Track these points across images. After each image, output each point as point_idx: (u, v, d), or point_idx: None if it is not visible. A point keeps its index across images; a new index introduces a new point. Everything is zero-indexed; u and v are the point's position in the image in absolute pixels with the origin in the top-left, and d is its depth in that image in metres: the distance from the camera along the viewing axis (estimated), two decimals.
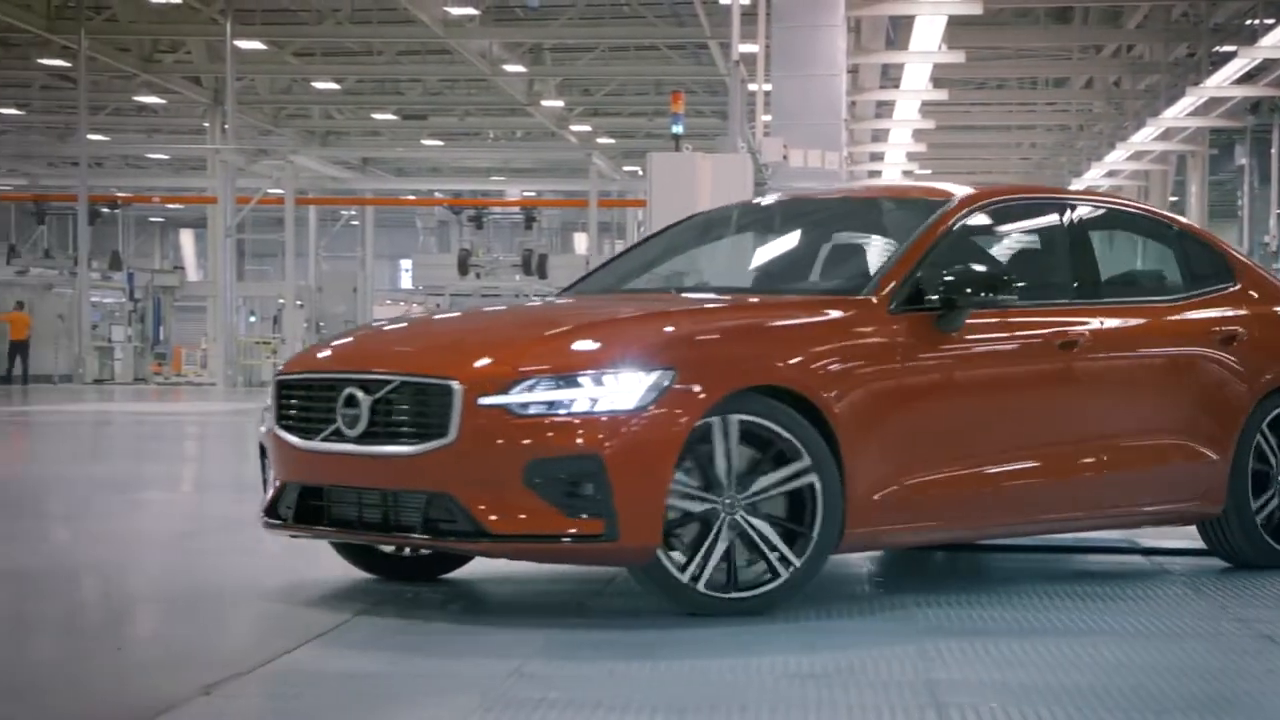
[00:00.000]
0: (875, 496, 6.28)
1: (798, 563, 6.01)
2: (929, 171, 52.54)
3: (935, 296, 6.51)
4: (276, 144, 46.77)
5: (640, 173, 40.81)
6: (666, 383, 5.85)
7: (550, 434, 5.78)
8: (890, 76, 32.68)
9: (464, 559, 6.77)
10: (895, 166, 46.41)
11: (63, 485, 11.67)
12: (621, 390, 5.81)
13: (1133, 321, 7.30)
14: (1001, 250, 7.52)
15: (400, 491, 5.91)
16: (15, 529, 8.87)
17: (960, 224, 6.99)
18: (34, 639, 5.78)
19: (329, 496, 6.09)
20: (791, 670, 5.09)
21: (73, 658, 5.30)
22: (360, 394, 5.98)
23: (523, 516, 5.76)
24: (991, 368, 6.85)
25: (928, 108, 36.28)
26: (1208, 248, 7.87)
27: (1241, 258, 8.02)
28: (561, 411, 5.79)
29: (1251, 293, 7.71)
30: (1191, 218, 39.82)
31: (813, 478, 6.03)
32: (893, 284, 6.56)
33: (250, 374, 36.95)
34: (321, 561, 7.58)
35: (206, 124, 42.20)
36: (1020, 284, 6.95)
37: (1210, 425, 7.29)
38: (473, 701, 4.59)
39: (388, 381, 5.98)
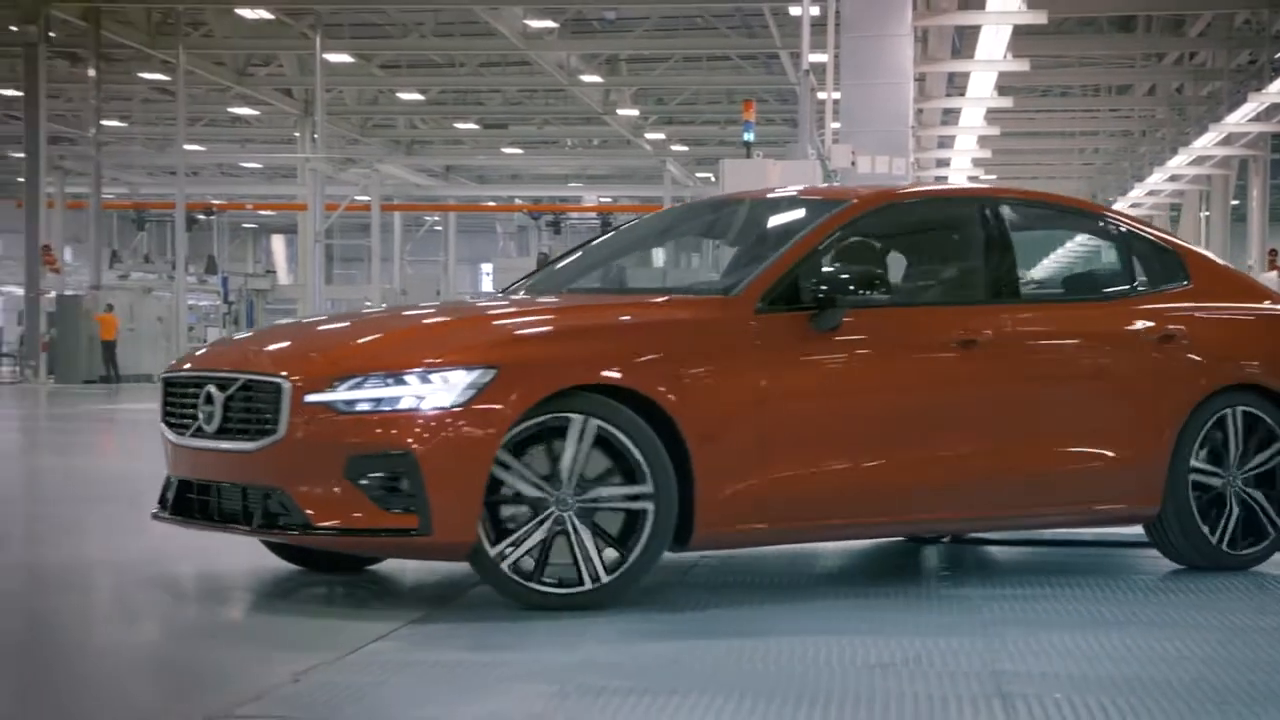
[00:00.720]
0: (727, 494, 6.09)
1: (604, 579, 5.85)
2: (994, 177, 52.21)
3: (809, 296, 6.30)
4: (363, 153, 47.06)
5: (712, 179, 40.76)
6: (486, 381, 5.75)
7: (369, 431, 5.75)
8: (956, 84, 32.47)
9: None
10: (961, 172, 46.10)
11: None
12: (440, 389, 5.74)
13: (1053, 321, 6.96)
14: (902, 251, 7.24)
15: (246, 486, 5.96)
16: (128, 518, 8.95)
17: (852, 226, 6.68)
18: (140, 624, 5.83)
19: (197, 490, 6.16)
20: (859, 660, 5.06)
21: (173, 643, 5.34)
22: (216, 392, 6.05)
23: (343, 510, 5.75)
24: (870, 366, 6.51)
25: (993, 115, 36.00)
26: (1159, 247, 7.40)
27: (1203, 257, 7.61)
28: (382, 409, 5.75)
29: (1205, 292, 7.28)
30: (1252, 221, 39.42)
31: (649, 505, 5.88)
32: (762, 284, 6.34)
33: None
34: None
35: (297, 134, 42.52)
36: (919, 284, 6.94)
37: (1143, 425, 6.89)
38: (547, 689, 4.59)
39: (235, 380, 6.04)
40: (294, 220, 46.83)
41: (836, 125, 21.14)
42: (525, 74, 39.26)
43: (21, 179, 34.33)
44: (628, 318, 6.38)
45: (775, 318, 6.29)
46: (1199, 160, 40.93)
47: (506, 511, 5.79)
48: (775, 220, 7.10)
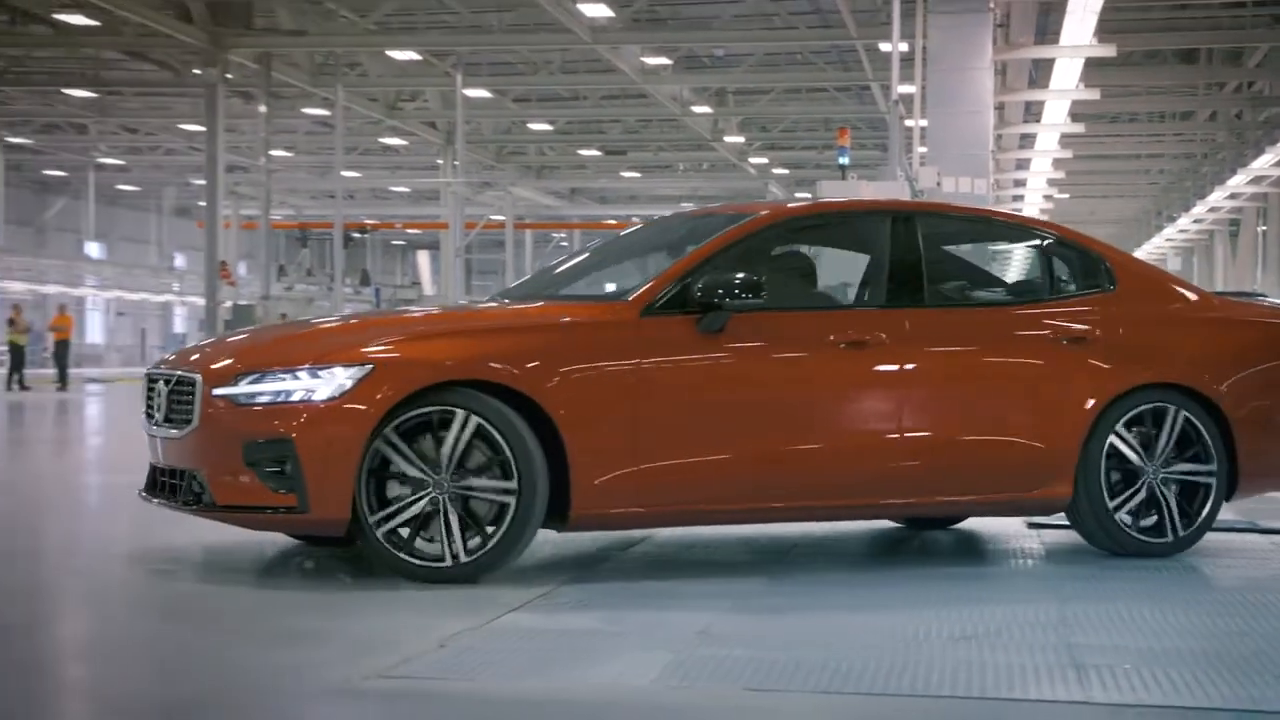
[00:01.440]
0: (603, 481, 6.06)
1: (463, 559, 5.89)
2: (1066, 196, 51.51)
3: (695, 302, 6.23)
4: (498, 177, 47.36)
5: (811, 198, 40.55)
6: (361, 376, 5.86)
7: (261, 420, 5.91)
8: (1032, 112, 32.06)
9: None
10: (1037, 192, 45.54)
11: None
12: (321, 384, 5.87)
13: (957, 324, 6.70)
14: (804, 260, 7.04)
15: (179, 468, 6.22)
16: None
17: (752, 239, 6.62)
18: (314, 592, 5.89)
19: (159, 473, 6.40)
20: (946, 633, 5.02)
21: (338, 611, 5.40)
22: (162, 387, 6.32)
23: (241, 491, 5.94)
24: (751, 365, 6.33)
25: (1066, 139, 35.55)
26: (1086, 254, 7.07)
27: (1133, 264, 7.18)
28: (273, 401, 5.91)
29: (1129, 297, 6.94)
30: None
31: (510, 500, 5.91)
32: (651, 292, 6.30)
33: None
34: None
35: (440, 161, 42.84)
36: (815, 291, 6.81)
37: (1052, 420, 6.61)
38: (664, 658, 4.59)
39: (171, 377, 6.29)
40: (437, 237, 47.21)
41: (923, 150, 20.96)
42: (642, 105, 39.28)
43: (202, 203, 34.89)
44: (517, 322, 6.42)
45: (662, 320, 6.24)
46: (1256, 179, 40.12)
47: (394, 490, 5.91)
48: (697, 234, 6.85)
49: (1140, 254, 63.80)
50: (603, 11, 27.40)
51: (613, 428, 6.11)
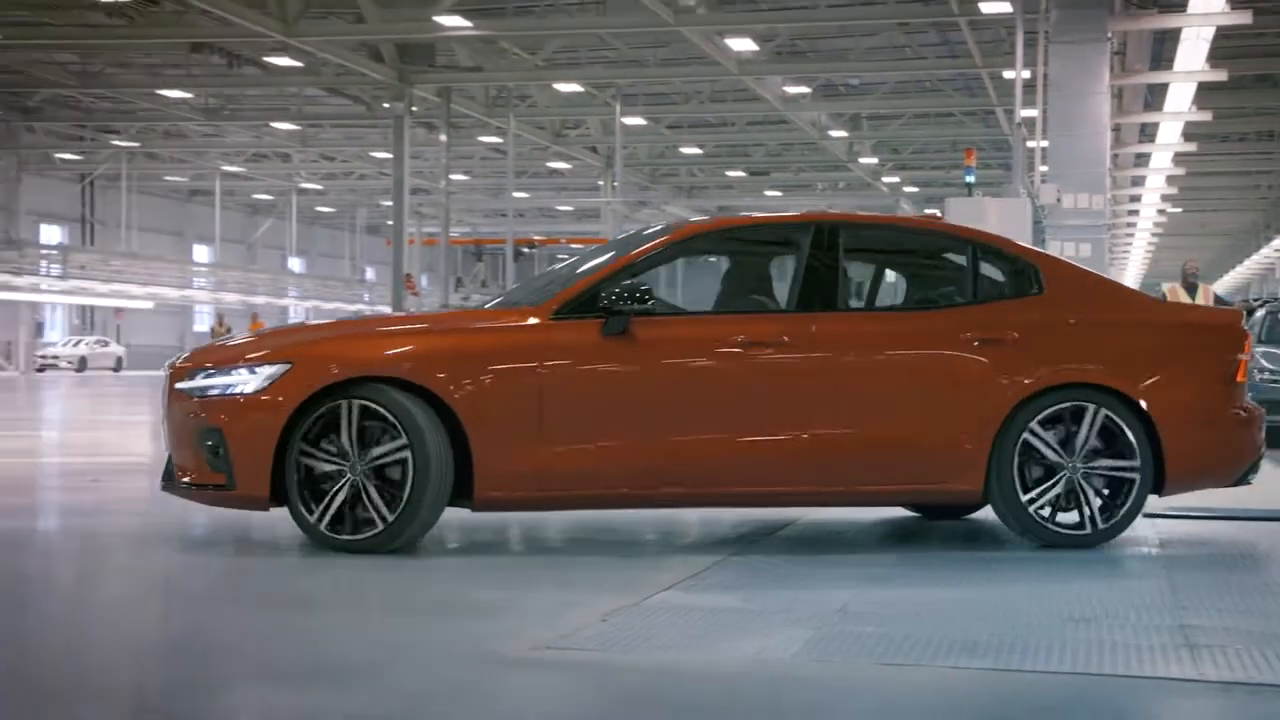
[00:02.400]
0: (505, 467, 6.13)
1: (390, 518, 6.05)
2: (1179, 210, 50.15)
3: (600, 307, 6.26)
4: (652, 197, 47.51)
5: (939, 214, 40.06)
6: (281, 373, 6.12)
7: (206, 410, 6.23)
8: (1147, 132, 31.29)
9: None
10: (1151, 207, 44.47)
11: None
12: (250, 379, 6.16)
13: (866, 328, 6.52)
14: (713, 270, 6.95)
15: (169, 454, 6.58)
16: None
17: (670, 251, 6.67)
18: (494, 570, 5.96)
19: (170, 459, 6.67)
20: (1065, 614, 4.91)
21: (510, 585, 5.46)
22: (164, 382, 6.63)
23: (192, 471, 6.32)
24: (650, 365, 6.28)
25: (1179, 157, 34.64)
26: (1016, 261, 6.77)
27: (1064, 269, 6.84)
28: (216, 394, 6.22)
29: (1056, 301, 6.61)
30: None
31: (406, 454, 6.04)
32: (560, 298, 6.36)
33: None
34: (688, 514, 7.66)
35: (600, 182, 43.11)
36: (723, 297, 6.80)
37: (958, 419, 6.36)
38: (805, 634, 4.55)
39: (168, 373, 6.59)
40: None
41: (1044, 169, 20.58)
42: (783, 130, 39.12)
43: (390, 222, 35.54)
44: (437, 326, 6.59)
45: (570, 324, 6.28)
46: None
47: (321, 472, 6.12)
48: (628, 246, 6.81)
49: (1249, 264, 61.86)
50: (748, 46, 27.37)
51: (517, 421, 6.17)
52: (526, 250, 45.27)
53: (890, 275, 7.16)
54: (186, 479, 6.34)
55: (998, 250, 6.84)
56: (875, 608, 5.06)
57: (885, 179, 47.08)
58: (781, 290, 6.70)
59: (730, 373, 6.35)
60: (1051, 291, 6.66)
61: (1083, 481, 6.41)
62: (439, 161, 35.51)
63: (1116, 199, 36.16)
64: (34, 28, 27.76)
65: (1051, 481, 6.42)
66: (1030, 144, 21.11)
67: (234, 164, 47.45)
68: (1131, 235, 56.27)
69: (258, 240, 60.26)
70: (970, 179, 18.03)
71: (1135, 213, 44.27)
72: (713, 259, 7.03)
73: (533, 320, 6.33)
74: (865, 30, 28.36)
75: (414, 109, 31.52)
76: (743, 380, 6.35)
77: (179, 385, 6.38)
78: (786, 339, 6.37)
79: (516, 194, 41.07)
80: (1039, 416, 6.40)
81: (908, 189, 49.73)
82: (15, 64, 31.49)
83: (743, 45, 27.27)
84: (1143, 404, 6.44)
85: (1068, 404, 6.43)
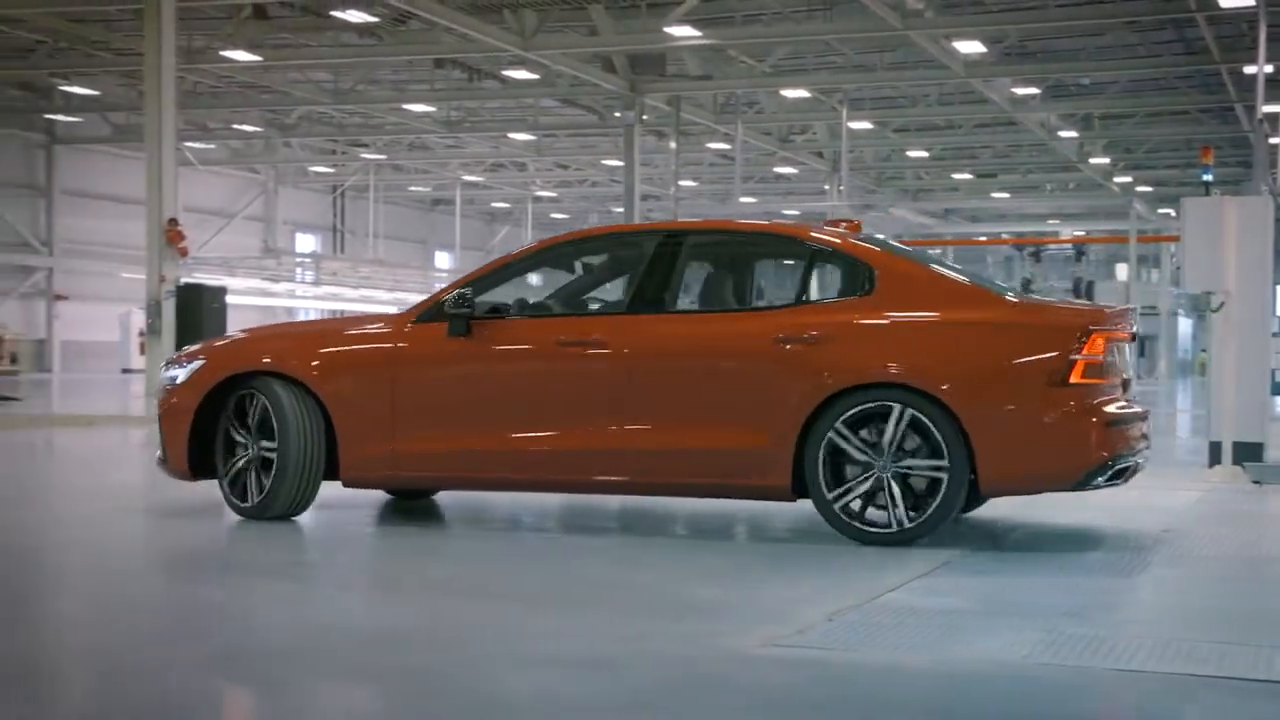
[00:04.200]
0: (365, 451, 6.94)
1: (255, 500, 7.07)
2: None
3: (444, 314, 6.90)
4: (878, 200, 46.98)
5: (1173, 214, 38.56)
6: (195, 367, 7.29)
7: (161, 397, 7.46)
8: None
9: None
10: None
11: None
12: (181, 372, 7.36)
13: (691, 329, 6.70)
14: (559, 276, 7.34)
15: None
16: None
17: (526, 259, 7.14)
18: (705, 571, 6.02)
19: None
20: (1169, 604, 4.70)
21: (733, 584, 5.49)
22: None
23: (157, 451, 7.47)
24: (484, 363, 6.86)
25: None
26: (853, 263, 6.66)
27: (901, 272, 6.61)
28: (169, 384, 7.41)
29: (882, 302, 6.48)
30: None
31: (274, 454, 6.99)
32: (421, 306, 7.10)
33: None
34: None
35: (826, 187, 42.85)
36: (562, 301, 7.13)
37: (766, 416, 6.41)
38: (1035, 636, 4.47)
39: None
40: None
41: None
42: (1011, 132, 38.21)
43: None
44: (325, 328, 7.58)
45: (425, 327, 6.99)
46: None
47: (238, 453, 7.17)
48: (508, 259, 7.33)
49: None
50: (976, 48, 26.82)
51: (374, 412, 6.96)
52: None
53: (730, 279, 7.26)
54: (157, 460, 7.49)
55: (833, 252, 6.81)
56: (1108, 612, 4.93)
57: (1117, 179, 45.51)
58: (622, 294, 7.11)
59: (550, 371, 6.78)
60: (881, 292, 6.55)
61: (891, 480, 6.31)
62: (668, 168, 35.83)
63: None
64: (294, 49, 29.08)
65: (858, 480, 6.37)
66: (1272, 140, 20.15)
67: (473, 174, 48.79)
68: None
69: (495, 246, 61.82)
70: (1208, 178, 17.30)
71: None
72: (559, 266, 7.61)
73: (395, 325, 7.09)
74: (1095, 29, 27.48)
75: (644, 117, 31.88)
76: (560, 377, 6.76)
77: (162, 375, 7.60)
78: (606, 339, 6.69)
79: (743, 199, 41.12)
80: (845, 416, 6.36)
81: (1141, 189, 47.96)
82: (277, 84, 33.02)
83: (970, 47, 26.75)
84: (949, 404, 6.21)
85: (874, 404, 6.33)
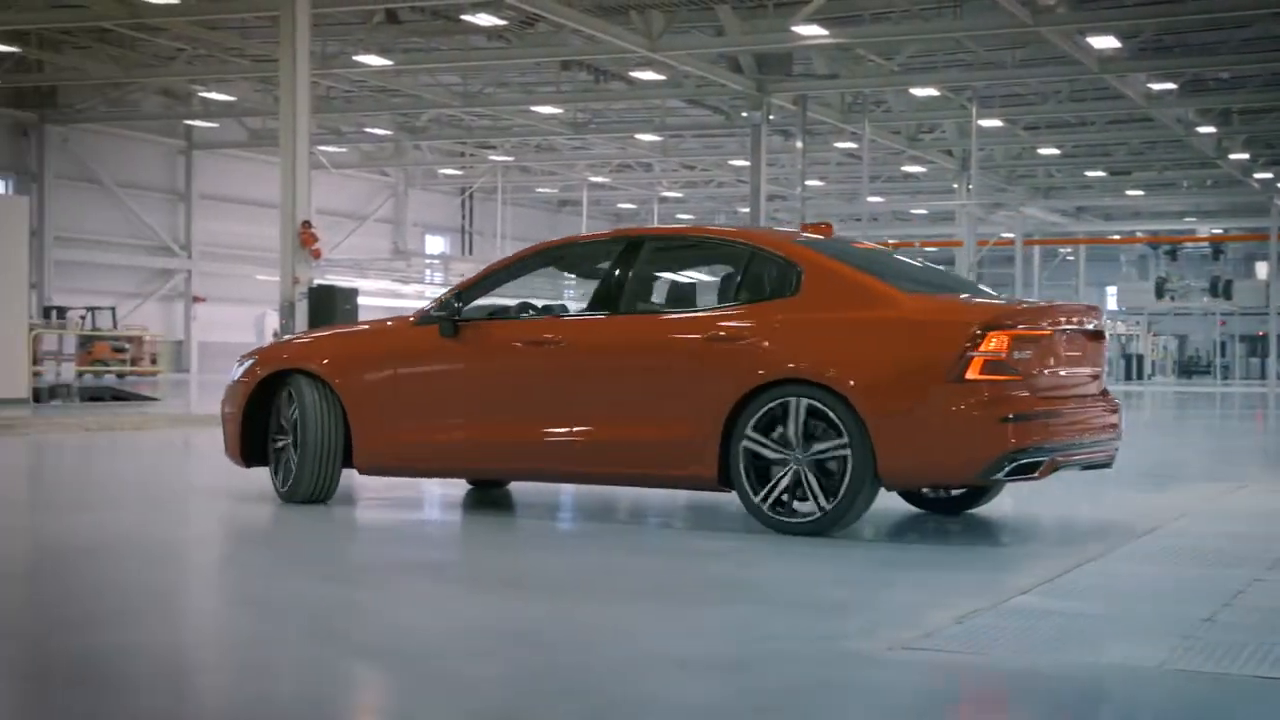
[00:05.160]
0: (374, 443, 7.60)
1: (283, 489, 7.82)
2: None
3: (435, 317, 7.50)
4: (1008, 199, 46.24)
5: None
6: (249, 364, 8.06)
7: (224, 394, 8.17)
8: None
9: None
10: None
11: None
12: (240, 368, 8.11)
13: (629, 329, 7.11)
14: (542, 283, 7.41)
15: None
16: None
17: (513, 267, 7.64)
18: (835, 571, 5.98)
19: None
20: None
21: (858, 587, 5.45)
22: None
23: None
24: (468, 362, 7.42)
25: None
26: (786, 265, 6.95)
27: (828, 273, 6.82)
28: (229, 380, 8.18)
29: (804, 302, 6.78)
30: None
31: (292, 442, 7.74)
32: (425, 308, 7.64)
33: None
34: (1043, 519, 7.44)
35: (955, 185, 42.30)
36: (538, 305, 7.59)
37: (695, 409, 6.79)
38: (1170, 642, 4.36)
39: None
40: (951, 255, 46.63)
41: None
42: (1147, 128, 37.35)
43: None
44: (347, 331, 8.22)
45: (422, 329, 7.58)
46: None
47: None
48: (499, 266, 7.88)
49: None
50: (1110, 43, 26.28)
51: (380, 407, 7.61)
52: None
53: (680, 282, 7.65)
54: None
55: (770, 254, 7.08)
56: (1246, 618, 4.79)
57: (1257, 175, 44.22)
58: (587, 297, 7.49)
59: (516, 369, 7.30)
60: (806, 293, 6.83)
61: (807, 471, 6.55)
62: (795, 168, 35.68)
63: None
64: (424, 53, 29.54)
65: (779, 476, 6.61)
66: None
67: (600, 175, 49.09)
68: None
69: None
70: None
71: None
72: (545, 272, 8.22)
73: (401, 327, 7.69)
74: (1240, 21, 26.73)
75: (771, 117, 31.79)
76: (522, 375, 7.29)
77: (233, 371, 8.22)
78: (560, 340, 7.18)
79: (871, 198, 40.78)
80: (755, 419, 6.65)
81: None
82: (407, 88, 33.57)
83: (1104, 43, 26.21)
84: (847, 397, 6.45)
85: (778, 401, 6.62)
